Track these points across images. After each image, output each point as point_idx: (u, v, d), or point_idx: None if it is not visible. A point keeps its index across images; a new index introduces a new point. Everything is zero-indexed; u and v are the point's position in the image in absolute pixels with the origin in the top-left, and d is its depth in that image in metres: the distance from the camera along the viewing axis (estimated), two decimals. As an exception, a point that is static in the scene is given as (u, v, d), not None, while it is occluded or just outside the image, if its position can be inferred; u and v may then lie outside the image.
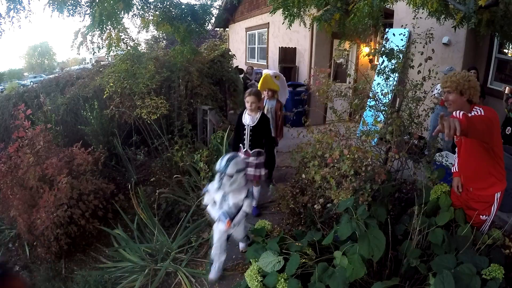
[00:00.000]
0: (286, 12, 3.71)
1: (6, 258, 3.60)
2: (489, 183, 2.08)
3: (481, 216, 2.13)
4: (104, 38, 3.61)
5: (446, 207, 2.25)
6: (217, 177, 2.46)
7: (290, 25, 3.73)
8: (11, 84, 18.81)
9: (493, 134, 1.93)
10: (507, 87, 3.93)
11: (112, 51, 3.78)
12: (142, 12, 4.07)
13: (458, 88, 2.00)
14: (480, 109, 2.01)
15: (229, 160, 2.41)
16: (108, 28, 3.56)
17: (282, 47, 7.59)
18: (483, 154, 2.02)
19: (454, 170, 2.36)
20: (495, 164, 2.05)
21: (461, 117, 1.65)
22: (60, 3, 3.30)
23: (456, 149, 2.32)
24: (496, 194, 2.08)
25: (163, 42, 13.54)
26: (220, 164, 2.41)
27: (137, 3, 3.99)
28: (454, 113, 2.03)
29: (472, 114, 2.01)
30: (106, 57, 3.95)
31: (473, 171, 2.14)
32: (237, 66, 8.06)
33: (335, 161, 2.56)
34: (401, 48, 3.69)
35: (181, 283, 2.73)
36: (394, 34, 4.61)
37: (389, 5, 3.63)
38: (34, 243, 3.47)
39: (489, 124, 1.89)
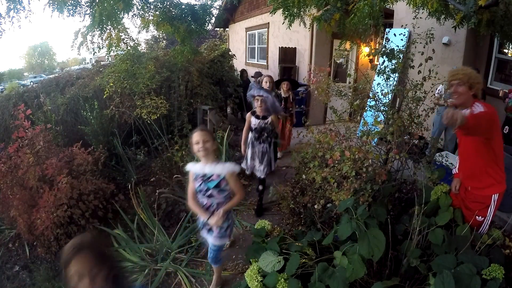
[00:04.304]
0: (286, 12, 3.71)
1: (6, 258, 3.60)
2: (486, 184, 2.09)
3: (477, 217, 2.13)
4: (104, 38, 3.61)
5: (446, 207, 2.25)
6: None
7: (290, 25, 3.73)
8: (11, 84, 18.86)
9: (493, 129, 1.97)
10: (501, 91, 3.99)
11: (112, 51, 3.78)
12: (142, 12, 4.07)
13: (469, 81, 2.04)
14: (480, 105, 2.03)
15: None
16: (108, 28, 3.56)
17: (282, 47, 7.58)
18: (482, 154, 2.04)
19: (455, 172, 2.38)
20: (493, 165, 2.05)
21: (468, 115, 1.76)
22: (60, 3, 3.30)
23: (458, 149, 2.33)
24: (493, 195, 2.08)
25: (163, 42, 13.55)
26: None
27: (137, 3, 3.99)
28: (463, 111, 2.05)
29: (474, 109, 2.03)
30: (106, 57, 3.94)
31: (470, 169, 2.16)
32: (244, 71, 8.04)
33: (336, 161, 2.56)
34: (401, 48, 3.70)
35: (181, 283, 2.73)
36: (394, 34, 4.61)
37: (389, 5, 3.63)
38: (34, 243, 3.47)
39: (490, 119, 1.93)
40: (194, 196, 2.27)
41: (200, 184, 2.21)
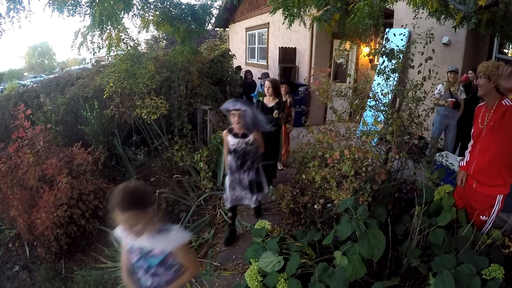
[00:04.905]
0: (286, 12, 3.71)
1: (6, 258, 3.60)
2: (494, 183, 2.10)
3: (481, 217, 2.15)
4: (104, 38, 3.61)
5: (448, 207, 2.25)
6: None
7: (290, 25, 3.73)
8: (11, 84, 18.88)
9: None
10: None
11: (112, 51, 3.78)
12: (142, 12, 4.07)
13: (486, 73, 2.06)
14: (510, 101, 2.03)
15: None
16: (108, 28, 3.57)
17: (282, 47, 7.59)
18: (504, 153, 2.05)
19: (462, 164, 2.35)
20: (507, 167, 2.08)
21: None
22: (60, 3, 3.30)
23: (470, 143, 2.31)
24: (498, 196, 2.11)
25: (163, 42, 13.55)
26: None
27: (137, 3, 3.99)
28: None
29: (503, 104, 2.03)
30: (106, 57, 3.95)
31: (484, 166, 2.14)
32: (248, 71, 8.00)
33: (335, 161, 2.56)
34: (401, 48, 3.70)
35: (181, 283, 2.72)
36: (394, 34, 4.61)
37: (389, 5, 3.63)
38: (34, 243, 3.48)
39: None
40: (129, 272, 1.65)
41: (139, 259, 1.58)
